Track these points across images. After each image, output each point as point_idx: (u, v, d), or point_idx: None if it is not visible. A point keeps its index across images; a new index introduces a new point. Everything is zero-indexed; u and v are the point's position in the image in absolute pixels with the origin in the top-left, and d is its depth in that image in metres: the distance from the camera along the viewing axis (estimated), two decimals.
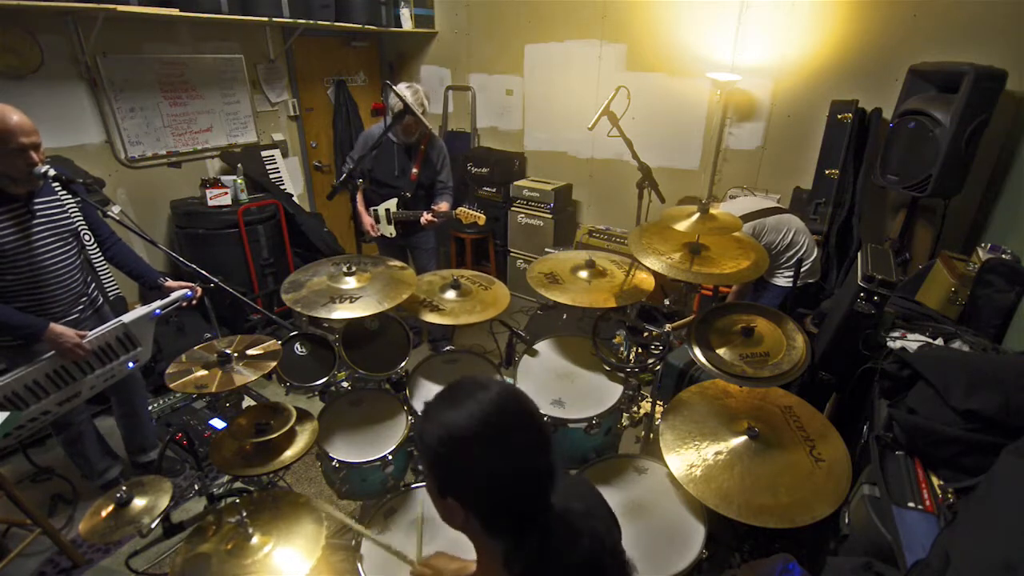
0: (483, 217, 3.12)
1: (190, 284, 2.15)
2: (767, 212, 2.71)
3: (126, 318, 2.05)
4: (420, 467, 0.90)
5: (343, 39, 4.62)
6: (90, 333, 1.96)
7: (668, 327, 1.95)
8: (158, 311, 2.07)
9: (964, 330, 1.83)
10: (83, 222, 2.08)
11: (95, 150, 3.28)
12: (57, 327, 1.89)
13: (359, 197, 3.18)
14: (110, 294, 2.13)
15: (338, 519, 1.53)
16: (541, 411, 0.92)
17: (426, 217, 3.07)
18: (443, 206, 3.14)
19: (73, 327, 1.95)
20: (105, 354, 2.04)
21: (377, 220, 3.23)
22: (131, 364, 2.14)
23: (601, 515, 1.01)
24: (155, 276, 2.21)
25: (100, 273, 2.11)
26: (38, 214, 1.94)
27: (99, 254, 2.16)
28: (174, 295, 2.09)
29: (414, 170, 3.14)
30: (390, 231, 3.22)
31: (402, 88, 2.94)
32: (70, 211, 2.04)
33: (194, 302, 2.12)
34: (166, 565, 2.04)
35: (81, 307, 2.15)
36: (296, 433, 1.69)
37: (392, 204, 3.18)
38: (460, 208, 3.13)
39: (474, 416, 0.81)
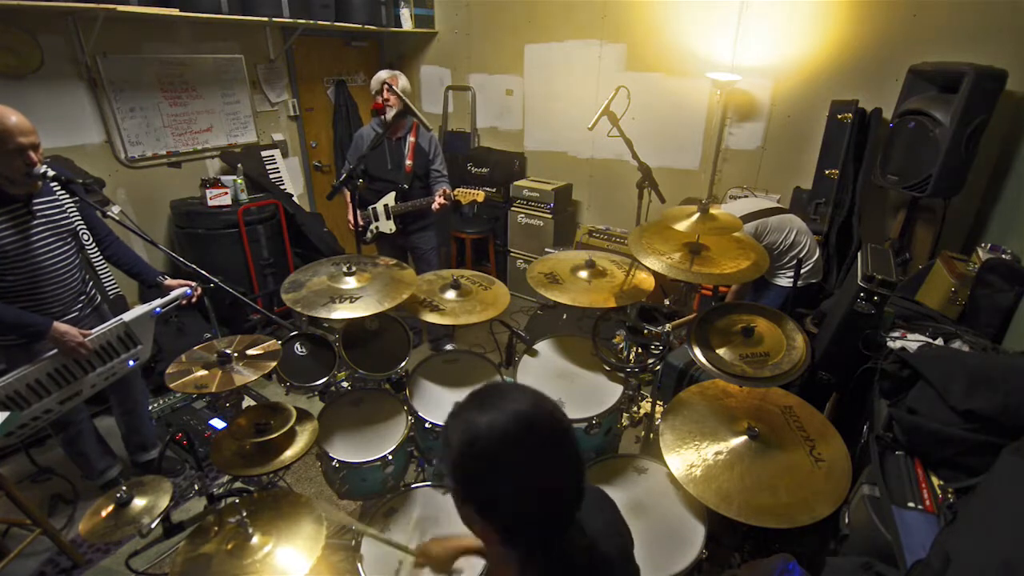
0: (482, 194, 3.09)
1: (189, 282, 2.15)
2: (769, 212, 2.71)
3: (127, 316, 2.05)
4: (437, 465, 0.88)
5: (343, 39, 4.62)
6: (92, 332, 1.96)
7: (668, 327, 1.95)
8: (158, 309, 2.07)
9: (964, 330, 1.83)
10: (81, 222, 2.09)
11: (95, 150, 3.28)
12: (61, 325, 1.90)
13: (348, 197, 3.14)
14: (110, 293, 2.13)
15: (338, 520, 1.53)
16: None
17: (438, 201, 3.05)
18: (446, 190, 3.12)
19: (72, 326, 1.95)
20: (106, 352, 2.04)
21: (376, 218, 3.22)
22: (132, 362, 2.15)
23: (615, 525, 1.01)
24: (154, 274, 2.22)
25: (99, 272, 2.11)
26: (38, 215, 1.94)
27: (98, 253, 2.16)
28: (174, 293, 2.09)
29: (408, 161, 3.13)
30: (390, 227, 3.21)
31: (382, 74, 2.97)
32: (69, 211, 2.04)
33: (193, 300, 2.12)
34: (166, 565, 2.04)
35: (80, 306, 2.15)
36: (296, 433, 1.69)
37: (390, 199, 3.17)
38: (458, 189, 3.11)
39: (498, 422, 0.78)
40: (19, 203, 1.89)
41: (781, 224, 2.68)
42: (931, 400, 1.43)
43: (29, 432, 1.93)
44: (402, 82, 3.06)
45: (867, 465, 1.45)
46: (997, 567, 0.91)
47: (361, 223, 3.17)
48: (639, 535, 1.52)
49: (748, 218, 2.62)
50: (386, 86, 2.85)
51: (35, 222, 1.93)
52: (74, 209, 2.06)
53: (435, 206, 3.06)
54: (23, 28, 2.83)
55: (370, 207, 3.21)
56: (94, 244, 2.15)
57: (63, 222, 2.02)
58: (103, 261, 2.11)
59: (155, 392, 3.13)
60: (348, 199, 3.15)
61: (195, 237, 3.50)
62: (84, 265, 2.19)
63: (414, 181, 3.18)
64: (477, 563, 1.43)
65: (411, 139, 3.14)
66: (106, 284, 2.35)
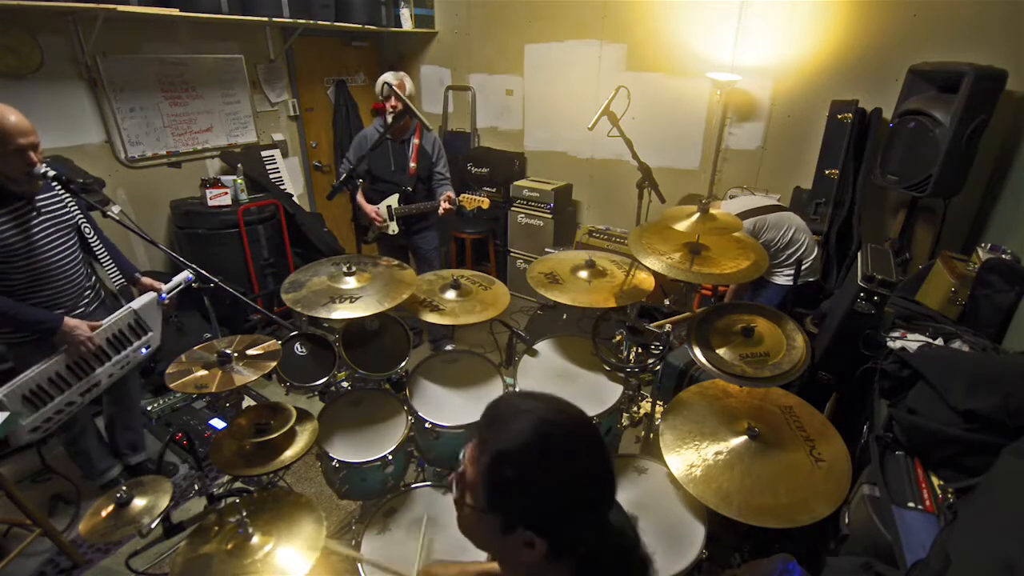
0: (487, 201, 3.10)
1: (158, 285, 2.18)
2: (767, 209, 2.71)
3: (135, 304, 2.10)
4: (463, 499, 0.79)
5: (343, 39, 4.62)
6: (103, 322, 1.99)
7: (667, 325, 1.95)
8: (164, 295, 2.13)
9: (964, 330, 1.83)
10: (83, 216, 2.10)
11: (95, 150, 3.28)
12: (71, 321, 1.92)
13: (359, 194, 3.17)
14: (116, 284, 2.18)
15: (340, 552, 1.51)
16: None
17: (443, 206, 3.07)
18: (451, 195, 3.13)
19: (81, 320, 1.97)
20: (119, 341, 2.08)
21: None
22: (144, 350, 2.18)
23: (626, 524, 1.00)
24: (132, 271, 2.25)
25: (104, 264, 2.14)
26: (42, 211, 1.95)
27: (102, 246, 2.17)
28: (176, 279, 2.12)
29: (411, 164, 3.14)
30: (393, 228, 3.21)
31: (388, 77, 2.97)
32: (70, 206, 2.06)
33: (194, 284, 2.13)
34: (166, 565, 2.04)
35: (87, 300, 2.17)
36: (296, 433, 1.69)
37: (393, 200, 3.17)
38: (463, 195, 3.12)
39: (535, 420, 0.74)
40: (22, 200, 1.89)
41: (779, 221, 2.69)
42: (931, 400, 1.43)
43: (55, 426, 1.94)
44: (408, 85, 3.05)
45: (867, 465, 1.45)
46: (997, 567, 0.91)
47: (379, 217, 3.16)
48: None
49: (745, 215, 2.62)
50: (392, 92, 2.84)
51: (39, 219, 1.94)
52: (75, 204, 2.07)
53: (441, 211, 3.08)
54: (23, 28, 2.83)
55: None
56: (96, 237, 2.15)
57: (66, 217, 2.03)
58: (107, 254, 2.15)
59: (155, 392, 3.13)
60: (360, 196, 3.15)
61: (195, 237, 3.50)
62: (87, 258, 2.20)
63: (417, 184, 3.18)
64: None
65: (415, 141, 3.15)
66: (111, 275, 2.36)
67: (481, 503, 0.75)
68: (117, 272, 2.18)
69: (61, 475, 2.57)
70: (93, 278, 2.26)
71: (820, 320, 2.38)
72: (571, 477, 0.73)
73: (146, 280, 2.21)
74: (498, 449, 0.74)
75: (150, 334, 2.18)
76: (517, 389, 1.95)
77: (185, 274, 2.12)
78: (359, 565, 1.50)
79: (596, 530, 0.77)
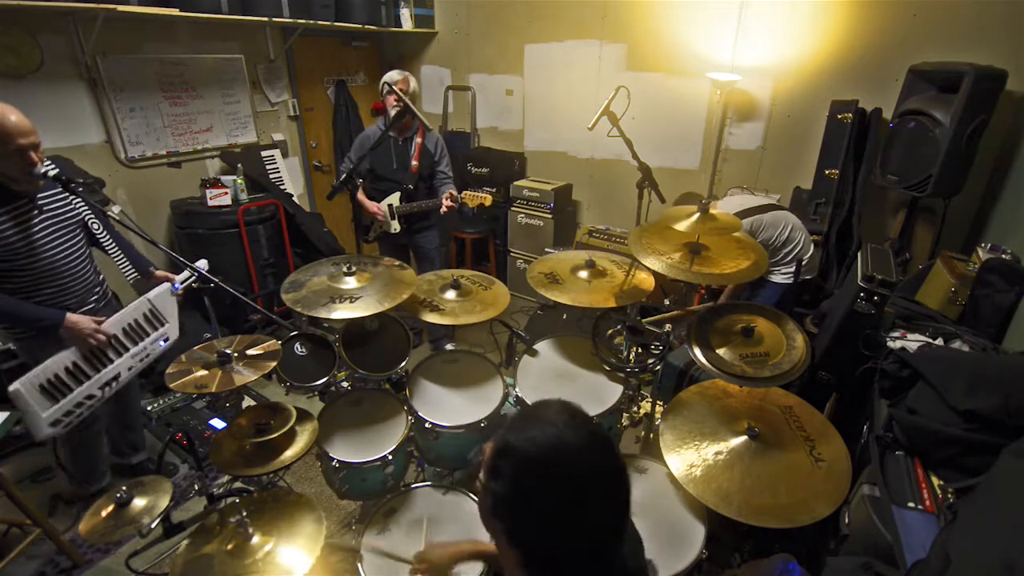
0: (489, 198, 3.10)
1: (171, 276, 2.20)
2: (762, 208, 2.71)
3: (150, 295, 2.11)
4: (478, 471, 0.81)
5: (343, 39, 4.62)
6: (116, 315, 1.99)
7: (667, 327, 1.95)
8: (177, 285, 2.15)
9: (964, 330, 1.83)
10: (90, 212, 2.10)
11: (95, 150, 3.28)
12: (73, 316, 1.91)
13: (360, 193, 3.17)
14: (129, 279, 2.18)
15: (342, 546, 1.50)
16: None
17: (446, 204, 3.08)
18: (453, 192, 3.14)
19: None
20: (135, 332, 2.07)
21: None
22: (162, 343, 2.17)
23: (632, 536, 0.99)
24: (147, 266, 2.24)
25: (115, 259, 2.14)
26: (44, 209, 1.94)
27: (111, 242, 2.17)
28: (186, 272, 2.12)
29: (414, 163, 3.14)
30: (394, 227, 3.21)
31: (394, 75, 2.98)
32: (75, 203, 2.05)
33: (194, 284, 2.14)
34: (166, 565, 2.04)
35: (96, 297, 2.16)
36: (296, 433, 1.69)
37: (395, 199, 3.17)
38: (465, 192, 3.12)
39: (552, 436, 0.74)
40: (24, 199, 1.89)
41: (776, 220, 2.69)
42: (931, 400, 1.43)
43: (76, 420, 1.91)
44: (412, 84, 3.06)
45: (867, 465, 1.46)
46: (997, 567, 0.91)
47: (380, 212, 3.16)
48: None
49: (741, 215, 2.62)
50: (391, 90, 2.84)
51: (41, 217, 1.93)
52: (80, 200, 2.07)
53: (443, 209, 3.08)
54: (23, 28, 2.83)
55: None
56: (105, 233, 2.15)
57: (71, 215, 2.03)
58: (118, 250, 2.15)
59: (155, 392, 3.13)
60: (361, 194, 3.14)
61: (195, 237, 3.50)
62: (96, 254, 2.19)
63: (419, 182, 3.19)
64: (475, 567, 1.43)
65: (418, 140, 3.15)
66: (123, 272, 2.37)
67: (483, 478, 0.79)
68: (130, 267, 2.18)
69: (69, 473, 2.52)
70: (101, 276, 2.26)
71: (820, 320, 2.38)
72: (556, 506, 0.72)
73: (160, 273, 2.22)
74: (508, 441, 0.76)
75: (167, 325, 2.18)
76: (521, 392, 1.95)
77: (202, 263, 2.13)
78: (359, 565, 1.50)
79: (583, 567, 0.76)
